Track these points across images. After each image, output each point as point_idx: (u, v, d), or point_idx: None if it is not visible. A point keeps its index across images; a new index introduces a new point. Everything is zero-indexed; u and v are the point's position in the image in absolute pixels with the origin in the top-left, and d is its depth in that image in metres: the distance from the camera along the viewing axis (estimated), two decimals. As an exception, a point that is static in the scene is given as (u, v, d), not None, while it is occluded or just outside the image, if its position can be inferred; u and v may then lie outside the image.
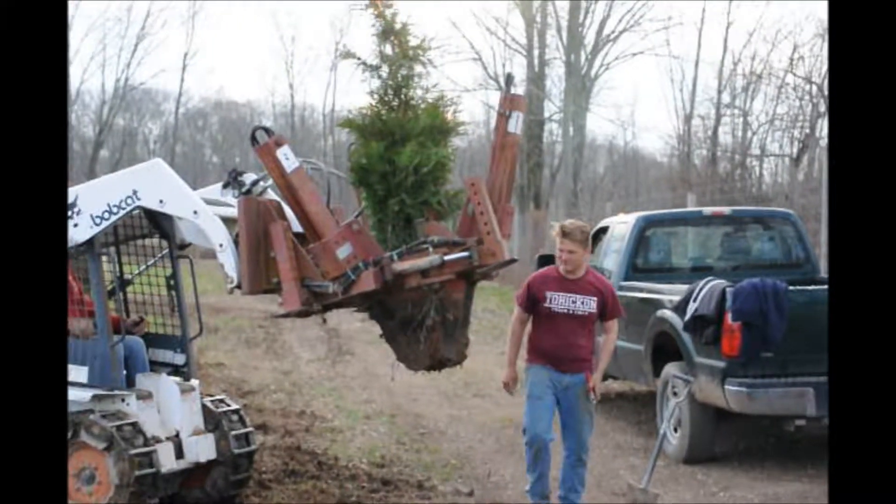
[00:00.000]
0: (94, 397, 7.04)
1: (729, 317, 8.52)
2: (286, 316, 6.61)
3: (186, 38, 57.65)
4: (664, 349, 9.57)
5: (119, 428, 6.84)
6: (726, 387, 8.58)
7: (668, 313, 9.38)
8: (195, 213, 6.79)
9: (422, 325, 6.47)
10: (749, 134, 33.00)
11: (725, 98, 34.50)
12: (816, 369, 8.50)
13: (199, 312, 7.97)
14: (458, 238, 6.35)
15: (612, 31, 36.12)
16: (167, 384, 7.43)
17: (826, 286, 9.80)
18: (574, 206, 30.13)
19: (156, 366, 7.67)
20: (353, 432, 10.60)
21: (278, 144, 6.32)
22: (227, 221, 6.76)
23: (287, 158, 6.30)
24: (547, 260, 13.07)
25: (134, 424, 6.96)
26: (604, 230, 11.92)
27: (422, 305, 6.45)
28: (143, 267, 7.96)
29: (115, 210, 6.91)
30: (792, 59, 31.38)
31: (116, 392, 7.15)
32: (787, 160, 29.83)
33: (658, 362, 9.71)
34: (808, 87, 30.02)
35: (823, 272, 11.73)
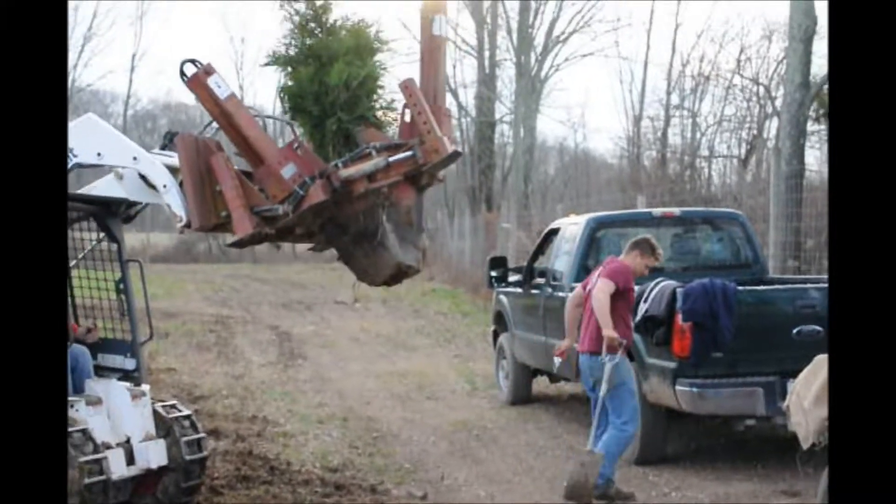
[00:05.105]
0: None
1: (679, 317, 8.58)
2: (240, 245, 6.57)
3: (135, 39, 57.23)
4: (616, 350, 9.61)
5: (68, 435, 6.75)
6: (677, 387, 8.64)
7: (619, 314, 9.42)
8: (135, 158, 6.80)
9: (376, 232, 6.47)
10: (698, 135, 33.32)
11: (674, 99, 34.83)
12: (766, 369, 8.61)
13: (150, 317, 7.89)
14: (399, 140, 6.42)
15: (562, 33, 36.24)
16: (117, 389, 7.35)
17: (773, 286, 9.93)
18: (525, 207, 30.13)
19: (105, 371, 7.58)
20: (305, 437, 10.56)
21: (208, 73, 6.29)
22: (171, 171, 6.77)
23: (219, 86, 6.28)
24: (499, 262, 13.15)
25: (84, 431, 6.86)
26: (554, 232, 11.96)
27: (373, 214, 6.47)
28: (76, 259, 7.84)
29: None
30: (739, 61, 31.77)
31: None
32: (735, 161, 30.16)
33: (609, 363, 9.74)
34: (755, 88, 30.39)
35: (771, 272, 11.87)
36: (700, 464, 9.19)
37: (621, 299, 8.29)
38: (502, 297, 12.89)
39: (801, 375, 7.09)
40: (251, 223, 6.28)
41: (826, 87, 16.51)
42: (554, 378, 12.14)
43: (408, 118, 6.42)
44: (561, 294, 10.85)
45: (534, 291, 11.70)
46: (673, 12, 46.37)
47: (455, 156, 6.59)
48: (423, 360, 16.09)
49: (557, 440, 10.26)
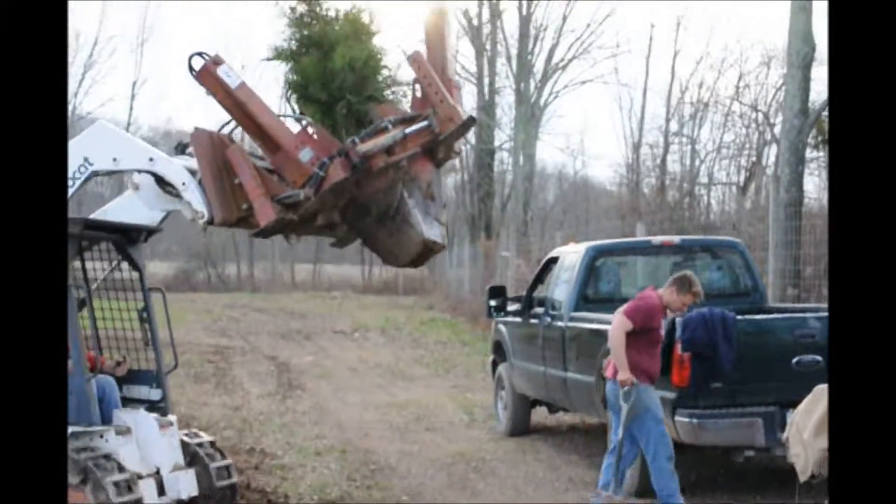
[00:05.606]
0: (73, 434, 6.86)
1: (678, 347, 8.52)
2: (265, 234, 6.55)
3: (135, 67, 57.30)
4: (614, 381, 9.54)
5: (116, 485, 6.64)
6: (676, 418, 8.57)
7: (618, 345, 9.35)
8: (151, 160, 6.81)
9: (399, 210, 6.46)
10: (697, 162, 33.38)
11: (673, 126, 34.91)
12: (765, 399, 8.55)
13: (174, 345, 7.86)
14: (414, 113, 6.44)
15: (561, 60, 36.42)
16: (145, 419, 7.32)
17: (773, 315, 9.87)
18: (524, 235, 30.12)
19: (131, 402, 7.54)
20: (303, 469, 10.48)
21: (217, 64, 6.29)
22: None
23: (229, 76, 6.30)
24: (498, 291, 13.09)
25: (129, 481, 6.76)
26: (554, 260, 11.92)
27: (394, 191, 6.49)
28: (94, 287, 7.80)
29: (70, 183, 6.82)
30: (738, 88, 31.87)
31: (95, 428, 7.00)
32: (734, 188, 30.17)
33: (608, 394, 9.68)
34: (754, 115, 30.45)
35: (771, 301, 11.81)
36: (700, 495, 9.10)
37: (644, 335, 8.13)
38: (501, 327, 12.83)
39: (801, 406, 7.04)
40: (274, 210, 6.29)
41: (825, 113, 16.52)
42: (553, 409, 12.08)
43: (419, 92, 6.45)
44: (560, 324, 10.80)
45: (533, 321, 11.65)
46: (672, 39, 46.70)
47: (470, 122, 6.62)
48: (422, 391, 16.01)
49: (556, 472, 10.18)
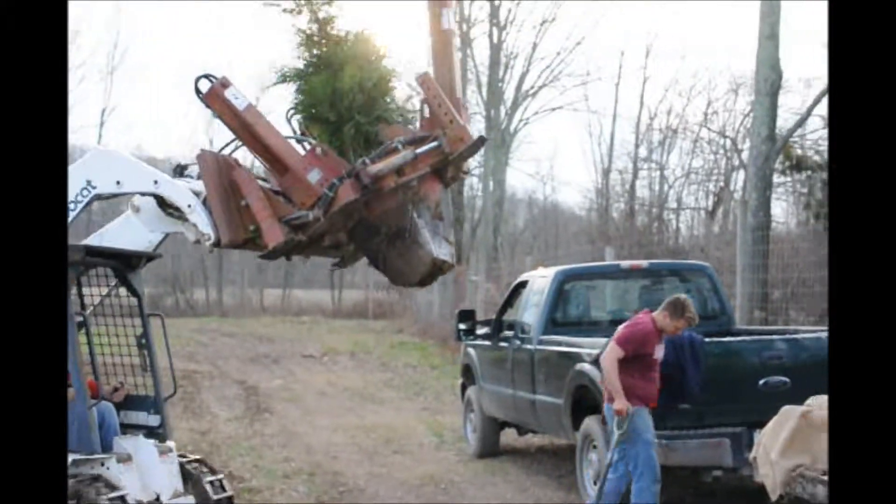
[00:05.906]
0: (74, 462, 6.81)
1: (647, 369, 8.55)
2: (273, 255, 6.50)
3: (104, 95, 57.05)
4: (583, 403, 9.58)
5: None
6: (645, 439, 8.59)
7: (587, 367, 9.39)
8: (156, 182, 6.75)
9: (409, 230, 6.43)
10: (666, 187, 33.53)
11: (642, 152, 35.07)
12: (733, 420, 8.59)
13: (173, 371, 7.83)
14: (423, 133, 6.41)
15: (532, 87, 36.50)
16: (145, 446, 7.27)
17: (740, 337, 9.94)
18: (494, 260, 30.18)
19: (129, 429, 7.49)
20: (271, 492, 10.43)
21: (225, 86, 6.25)
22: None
23: (237, 98, 6.25)
24: (467, 315, 13.11)
25: None
26: (523, 284, 11.95)
27: (403, 212, 6.45)
28: (89, 311, 7.76)
29: (72, 207, 6.76)
30: (706, 114, 32.07)
31: (96, 456, 6.95)
32: (702, 213, 30.35)
33: (577, 416, 9.70)
34: (722, 141, 30.66)
35: (738, 324, 11.89)
36: (669, 516, 9.12)
37: (638, 360, 8.17)
38: (470, 350, 12.84)
39: (768, 426, 7.09)
40: (282, 232, 6.24)
41: (792, 139, 16.68)
42: (522, 431, 12.09)
43: (427, 112, 6.44)
44: (529, 347, 10.82)
45: (502, 344, 11.67)
46: (641, 67, 46.89)
47: (480, 142, 6.61)
48: (391, 414, 15.97)
49: (525, 493, 10.18)
